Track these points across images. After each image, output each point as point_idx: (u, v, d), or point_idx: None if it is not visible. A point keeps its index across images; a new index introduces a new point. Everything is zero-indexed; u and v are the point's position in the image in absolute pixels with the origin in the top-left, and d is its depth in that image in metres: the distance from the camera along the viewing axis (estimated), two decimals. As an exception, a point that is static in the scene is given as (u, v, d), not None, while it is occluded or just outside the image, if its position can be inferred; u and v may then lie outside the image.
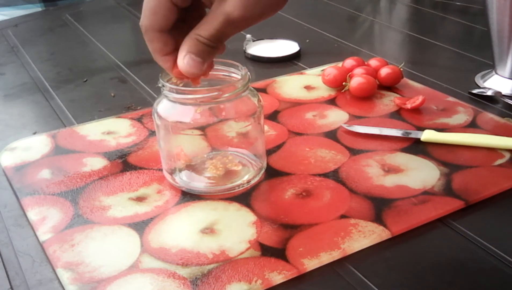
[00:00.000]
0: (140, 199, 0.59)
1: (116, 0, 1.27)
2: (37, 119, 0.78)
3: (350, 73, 0.79)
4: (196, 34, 0.46)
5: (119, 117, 0.75)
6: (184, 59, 0.47)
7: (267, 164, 0.64)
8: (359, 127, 0.70)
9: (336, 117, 0.74)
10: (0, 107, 0.82)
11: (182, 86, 0.57)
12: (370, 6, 1.23)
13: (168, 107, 0.57)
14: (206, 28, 0.46)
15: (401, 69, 0.81)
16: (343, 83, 0.79)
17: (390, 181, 0.60)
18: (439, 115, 0.73)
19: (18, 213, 0.58)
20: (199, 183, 0.60)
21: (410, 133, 0.68)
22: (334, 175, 0.62)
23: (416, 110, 0.74)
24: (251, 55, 0.94)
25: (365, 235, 0.53)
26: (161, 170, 0.62)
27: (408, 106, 0.74)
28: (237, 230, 0.54)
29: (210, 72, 0.52)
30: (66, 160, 0.66)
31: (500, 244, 0.52)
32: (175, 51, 0.49)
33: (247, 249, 0.51)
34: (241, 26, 0.46)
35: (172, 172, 0.61)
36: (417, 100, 0.74)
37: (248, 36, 0.98)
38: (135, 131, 0.72)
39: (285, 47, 0.97)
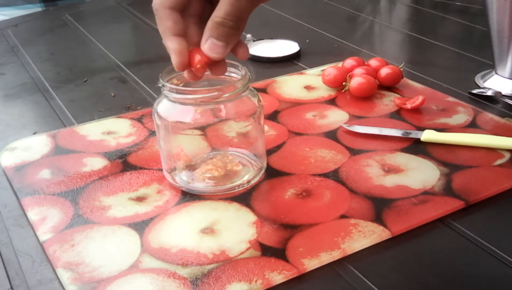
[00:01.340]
0: (140, 199, 0.59)
1: (116, 0, 1.27)
2: (37, 119, 0.78)
3: (350, 73, 0.79)
4: (214, 16, 0.46)
5: (119, 117, 0.75)
6: (206, 44, 0.47)
7: (267, 164, 0.64)
8: (359, 127, 0.70)
9: (336, 117, 0.74)
10: (0, 107, 0.82)
11: (182, 86, 0.57)
12: (370, 6, 1.23)
13: (168, 107, 0.57)
14: (221, 8, 0.45)
15: (401, 69, 0.81)
16: (343, 83, 0.79)
17: (390, 181, 0.60)
18: (439, 115, 0.73)
19: (18, 213, 0.58)
20: (199, 183, 0.60)
21: (410, 133, 0.68)
22: (334, 175, 0.62)
23: (416, 110, 0.74)
24: (251, 55, 0.94)
25: (365, 235, 0.53)
26: (161, 170, 0.62)
27: (408, 106, 0.74)
28: (237, 230, 0.54)
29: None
30: (66, 160, 0.66)
31: (500, 244, 0.52)
32: (184, 35, 0.48)
33: (247, 249, 0.51)
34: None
35: (172, 172, 0.61)
36: (417, 100, 0.74)
37: (248, 36, 0.98)
38: (135, 131, 0.72)
39: (285, 47, 0.97)
